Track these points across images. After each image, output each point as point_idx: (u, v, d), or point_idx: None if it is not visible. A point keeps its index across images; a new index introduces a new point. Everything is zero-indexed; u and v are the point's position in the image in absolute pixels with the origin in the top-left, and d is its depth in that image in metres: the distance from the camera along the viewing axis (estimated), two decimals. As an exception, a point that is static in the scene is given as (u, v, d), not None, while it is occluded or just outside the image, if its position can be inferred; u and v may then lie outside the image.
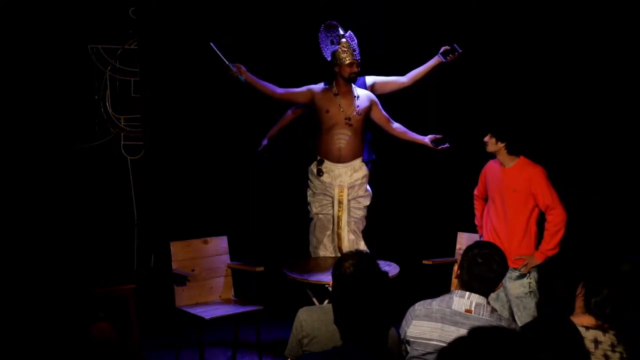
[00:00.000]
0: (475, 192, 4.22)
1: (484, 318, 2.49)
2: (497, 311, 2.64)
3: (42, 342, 3.75)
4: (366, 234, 4.69)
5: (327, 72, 4.61)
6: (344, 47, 4.49)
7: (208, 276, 4.38)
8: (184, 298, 4.22)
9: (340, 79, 4.55)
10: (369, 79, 4.84)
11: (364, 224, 4.70)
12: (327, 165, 4.60)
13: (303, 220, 4.84)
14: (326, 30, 4.57)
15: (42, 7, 4.83)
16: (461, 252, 2.82)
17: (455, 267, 3.74)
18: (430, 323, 2.52)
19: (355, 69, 4.51)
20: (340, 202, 4.58)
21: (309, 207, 4.72)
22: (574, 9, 4.89)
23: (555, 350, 1.95)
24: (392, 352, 2.53)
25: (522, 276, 3.85)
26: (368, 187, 4.70)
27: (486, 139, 3.92)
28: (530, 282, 3.86)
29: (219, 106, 5.46)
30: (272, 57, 5.31)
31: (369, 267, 2.20)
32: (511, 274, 3.81)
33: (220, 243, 4.49)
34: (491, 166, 4.05)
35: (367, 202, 4.69)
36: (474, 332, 1.43)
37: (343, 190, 4.58)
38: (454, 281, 3.39)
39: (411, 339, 2.55)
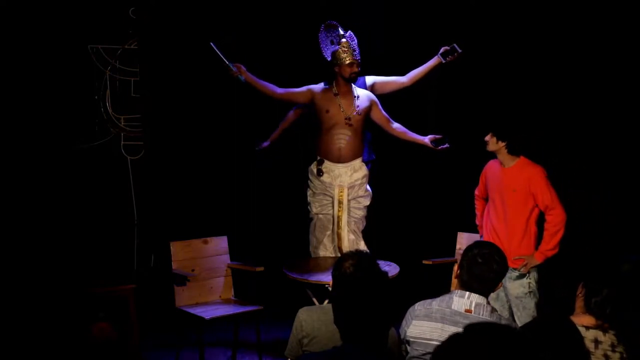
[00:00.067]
0: (476, 192, 4.22)
1: (483, 318, 2.49)
2: (497, 311, 2.64)
3: (42, 342, 3.75)
4: (366, 234, 4.69)
5: (327, 72, 4.61)
6: (344, 47, 4.49)
7: (208, 276, 4.38)
8: (184, 298, 4.22)
9: (340, 79, 4.55)
10: (369, 79, 4.84)
11: (364, 224, 4.70)
12: (327, 165, 4.60)
13: (303, 220, 4.84)
14: (326, 30, 4.57)
15: (42, 7, 4.83)
16: (461, 252, 2.82)
17: (455, 267, 3.73)
18: (430, 323, 2.52)
19: (355, 69, 4.51)
20: (340, 202, 4.58)
21: (309, 207, 4.72)
22: (574, 9, 4.89)
23: (555, 350, 1.95)
24: (392, 352, 2.53)
25: (521, 276, 3.85)
26: (368, 187, 4.70)
27: (487, 138, 3.92)
28: (530, 282, 3.86)
29: (219, 106, 5.46)
30: (272, 57, 5.31)
31: (369, 267, 2.19)
32: (511, 274, 3.81)
33: (220, 243, 4.49)
34: (491, 166, 4.05)
35: (367, 202, 4.69)
36: (471, 328, 1.42)
37: (343, 190, 4.58)
38: (454, 281, 3.39)
39: (411, 339, 2.55)
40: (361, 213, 4.66)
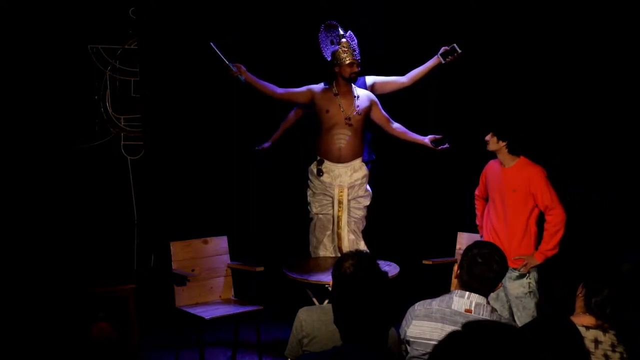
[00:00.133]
0: (476, 192, 4.22)
1: (483, 318, 2.49)
2: (497, 311, 2.64)
3: (42, 342, 3.75)
4: (366, 234, 4.69)
5: (327, 72, 4.61)
6: (344, 47, 4.49)
7: (208, 276, 4.38)
8: (184, 298, 4.22)
9: (340, 79, 4.55)
10: (369, 79, 4.84)
11: (364, 224, 4.70)
12: (327, 165, 4.60)
13: (303, 220, 4.84)
14: (326, 30, 4.57)
15: (42, 7, 4.83)
16: (461, 252, 2.82)
17: (455, 267, 3.74)
18: (430, 323, 2.52)
19: (355, 69, 4.51)
20: (340, 202, 4.58)
21: (309, 207, 4.72)
22: (574, 8, 4.89)
23: (555, 350, 1.95)
24: (392, 352, 2.53)
25: (521, 276, 3.85)
26: (368, 187, 4.70)
27: (487, 137, 3.92)
28: (530, 282, 3.86)
29: (219, 106, 5.46)
30: (272, 57, 5.31)
31: (369, 267, 2.19)
32: (511, 274, 3.81)
33: (220, 243, 4.49)
34: (491, 166, 4.05)
35: (367, 202, 4.69)
36: (468, 326, 1.42)
37: (343, 190, 4.58)
38: (454, 281, 3.39)
39: (411, 339, 2.55)
40: (361, 213, 4.66)
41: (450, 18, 5.32)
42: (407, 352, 2.59)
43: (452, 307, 2.52)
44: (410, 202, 5.72)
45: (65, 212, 4.87)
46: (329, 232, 4.63)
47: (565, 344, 1.98)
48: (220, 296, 4.43)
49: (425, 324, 2.53)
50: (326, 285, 3.90)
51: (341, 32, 4.52)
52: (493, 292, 2.64)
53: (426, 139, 4.67)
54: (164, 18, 5.23)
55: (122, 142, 5.24)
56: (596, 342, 2.42)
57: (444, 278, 4.46)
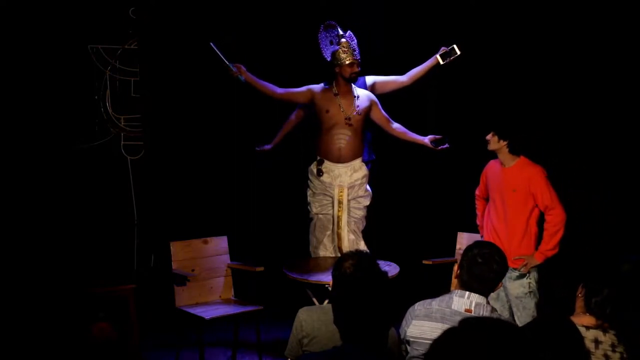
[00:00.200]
0: (477, 192, 4.22)
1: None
2: (497, 311, 2.64)
3: (42, 342, 3.75)
4: (366, 234, 4.69)
5: (327, 72, 4.60)
6: (344, 47, 4.49)
7: (208, 276, 4.38)
8: (184, 298, 4.21)
9: (340, 79, 4.55)
10: (369, 79, 4.84)
11: (364, 224, 4.70)
12: (327, 165, 4.60)
13: (303, 220, 4.84)
14: (325, 30, 4.57)
15: (42, 7, 4.82)
16: (461, 252, 2.82)
17: (455, 267, 3.74)
18: (430, 323, 2.52)
19: (356, 69, 4.51)
20: (340, 202, 4.58)
21: (309, 207, 4.72)
22: (574, 8, 4.89)
23: (555, 350, 1.95)
24: (392, 352, 2.53)
25: (522, 276, 3.85)
26: (368, 187, 4.70)
27: (488, 137, 3.92)
28: (530, 282, 3.86)
29: (219, 106, 5.46)
30: (272, 57, 5.31)
31: (369, 267, 2.19)
32: (511, 274, 3.81)
33: (220, 243, 4.49)
34: (492, 166, 4.06)
35: (367, 202, 4.69)
36: (465, 323, 1.42)
37: (343, 190, 4.58)
38: (454, 281, 3.39)
39: (411, 339, 2.55)
40: (361, 213, 4.66)
41: (450, 18, 5.32)
42: (407, 352, 2.59)
43: (452, 307, 2.52)
44: (410, 202, 5.72)
45: (65, 212, 4.87)
46: (329, 232, 4.63)
47: (565, 344, 1.98)
48: (220, 296, 4.43)
49: (425, 324, 2.53)
50: (326, 285, 3.90)
51: (340, 32, 4.53)
52: (493, 292, 2.64)
53: (426, 139, 4.67)
54: (164, 18, 5.23)
55: (122, 142, 5.23)
56: (596, 342, 2.42)
57: (444, 278, 4.46)
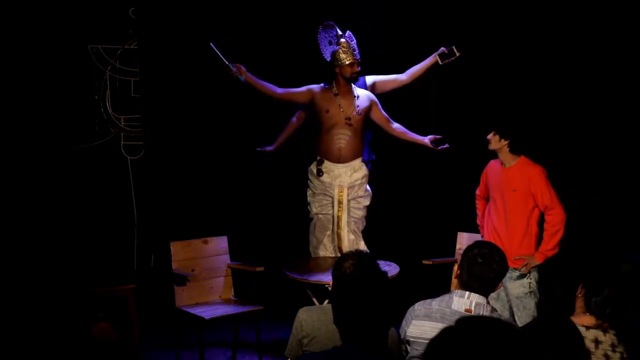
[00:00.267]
0: (477, 191, 4.22)
1: (483, 318, 2.49)
2: (497, 311, 2.64)
3: (42, 342, 3.75)
4: (366, 234, 4.69)
5: (327, 72, 4.60)
6: (343, 47, 4.49)
7: (208, 276, 4.38)
8: (184, 298, 4.21)
9: (340, 79, 4.55)
10: (369, 79, 4.84)
11: (364, 224, 4.70)
12: (327, 165, 4.60)
13: (303, 220, 4.83)
14: (324, 30, 4.57)
15: (42, 7, 4.82)
16: (461, 252, 2.82)
17: (455, 267, 3.74)
18: (431, 323, 2.52)
19: (356, 69, 4.51)
20: (340, 202, 4.58)
21: (309, 207, 4.72)
22: (574, 8, 4.89)
23: (555, 350, 1.95)
24: (392, 352, 2.53)
25: (522, 276, 3.85)
26: (368, 187, 4.70)
27: (489, 136, 3.92)
28: (530, 282, 3.86)
29: (219, 106, 5.46)
30: (272, 57, 5.31)
31: (369, 267, 2.19)
32: (511, 274, 3.81)
33: (220, 243, 4.49)
34: (492, 166, 4.06)
35: (367, 202, 4.69)
36: (462, 322, 1.42)
37: (343, 190, 4.58)
38: (454, 281, 3.39)
39: (411, 339, 2.55)
40: (361, 213, 4.66)
41: (451, 18, 5.32)
42: (407, 352, 2.59)
43: (452, 307, 2.52)
44: (410, 202, 5.72)
45: (66, 212, 4.87)
46: (329, 232, 4.63)
47: (565, 344, 1.98)
48: (220, 296, 4.42)
49: (426, 324, 2.53)
50: (326, 285, 3.90)
51: (339, 32, 4.53)
52: (493, 292, 2.64)
53: (426, 139, 4.67)
54: (164, 18, 5.23)
55: (122, 142, 5.23)
56: (596, 342, 2.42)
57: (444, 278, 4.46)
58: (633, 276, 2.69)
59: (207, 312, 4.02)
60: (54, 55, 4.87)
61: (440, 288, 4.04)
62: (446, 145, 4.64)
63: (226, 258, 4.49)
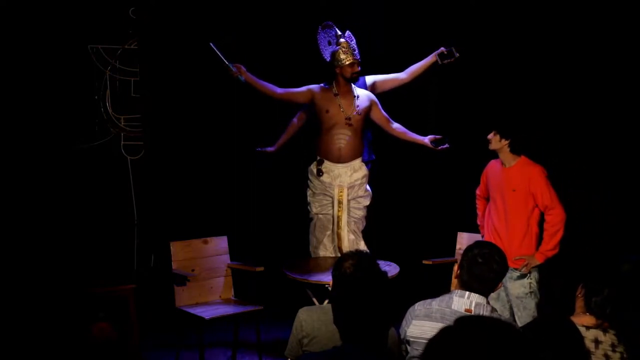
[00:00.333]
0: (477, 191, 4.22)
1: (483, 318, 2.48)
2: (497, 311, 2.64)
3: (42, 342, 3.75)
4: (366, 234, 4.69)
5: (327, 72, 4.60)
6: (343, 47, 4.49)
7: (208, 276, 4.38)
8: (184, 298, 4.21)
9: (340, 79, 4.55)
10: (369, 79, 4.84)
11: (364, 224, 4.70)
12: (326, 165, 4.60)
13: (303, 220, 4.84)
14: (323, 30, 4.57)
15: (42, 7, 4.82)
16: (461, 252, 2.82)
17: (455, 267, 3.74)
18: (431, 323, 2.52)
19: (356, 69, 4.51)
20: (340, 202, 4.58)
21: (309, 207, 4.72)
22: (574, 8, 4.89)
23: (555, 350, 1.95)
24: (392, 352, 2.53)
25: (522, 276, 3.85)
26: (368, 187, 4.70)
27: (490, 136, 3.92)
28: (530, 283, 3.86)
29: (219, 106, 5.46)
30: (272, 57, 5.31)
31: (369, 267, 2.19)
32: (512, 274, 3.81)
33: (220, 243, 4.49)
34: (492, 166, 4.06)
35: (367, 202, 4.69)
36: (461, 322, 1.41)
37: (343, 190, 4.58)
38: (454, 281, 3.39)
39: (411, 339, 2.55)
40: (361, 213, 4.66)
41: (451, 18, 5.32)
42: (407, 352, 2.59)
43: (452, 307, 2.52)
44: (410, 202, 5.72)
45: (65, 212, 4.87)
46: (329, 232, 4.63)
47: (565, 344, 1.98)
48: (220, 296, 4.43)
49: (426, 324, 2.53)
50: (326, 285, 3.90)
51: (338, 32, 4.53)
52: (493, 292, 2.64)
53: (426, 139, 4.67)
54: (164, 18, 5.23)
55: (122, 142, 5.23)
56: (596, 342, 2.42)
57: (444, 278, 4.46)
58: (633, 276, 2.69)
59: (207, 312, 4.02)
60: (54, 55, 4.87)
61: (440, 288, 4.04)
62: (446, 145, 4.64)
63: (226, 258, 4.49)
